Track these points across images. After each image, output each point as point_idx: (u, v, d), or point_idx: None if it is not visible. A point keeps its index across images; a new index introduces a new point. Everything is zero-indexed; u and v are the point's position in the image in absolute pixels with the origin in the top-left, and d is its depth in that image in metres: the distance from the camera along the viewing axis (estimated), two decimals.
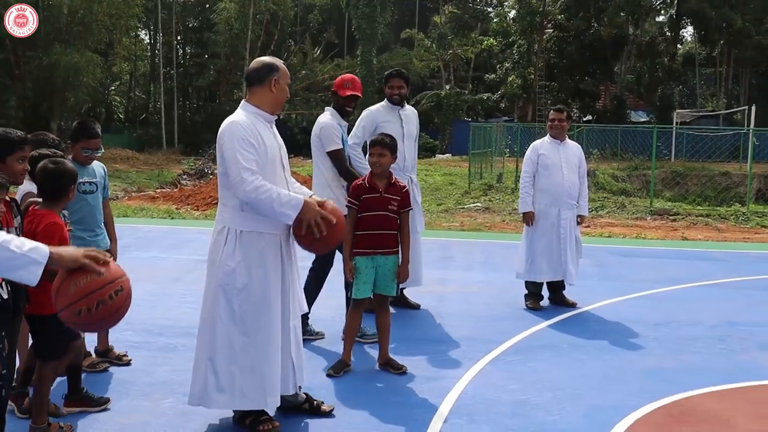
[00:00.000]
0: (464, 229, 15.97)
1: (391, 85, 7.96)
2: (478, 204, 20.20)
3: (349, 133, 7.57)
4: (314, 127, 7.21)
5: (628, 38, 47.89)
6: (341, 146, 7.07)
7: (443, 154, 44.00)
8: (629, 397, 5.72)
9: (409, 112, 8.20)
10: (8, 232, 4.02)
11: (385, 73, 8.35)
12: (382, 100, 8.14)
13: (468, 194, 22.37)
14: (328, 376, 6.03)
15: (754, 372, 6.45)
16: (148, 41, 55.10)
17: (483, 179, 25.39)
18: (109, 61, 42.21)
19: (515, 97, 48.66)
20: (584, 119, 45.94)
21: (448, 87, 49.40)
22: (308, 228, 4.73)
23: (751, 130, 25.56)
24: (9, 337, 4.05)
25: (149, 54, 54.66)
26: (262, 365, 4.78)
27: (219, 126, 4.87)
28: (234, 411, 5.03)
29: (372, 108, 8.17)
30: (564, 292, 8.73)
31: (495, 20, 52.39)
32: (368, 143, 6.56)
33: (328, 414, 5.21)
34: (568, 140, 8.76)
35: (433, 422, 5.14)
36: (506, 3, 55.49)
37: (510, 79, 47.68)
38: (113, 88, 53.47)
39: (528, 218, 8.47)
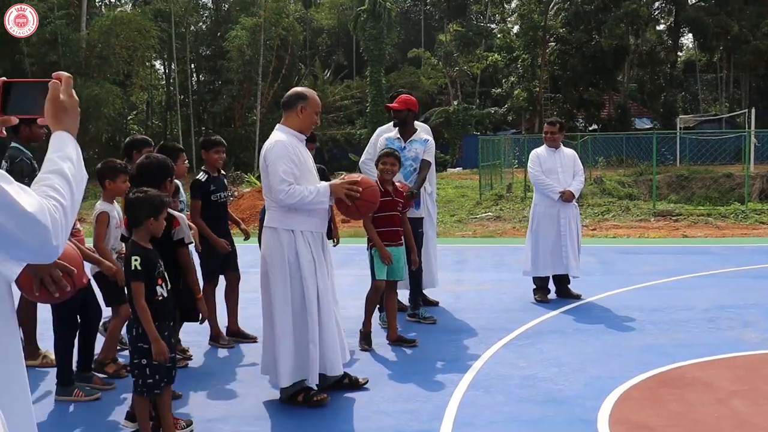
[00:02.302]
0: (476, 236, 16.71)
1: None
2: (489, 213, 20.92)
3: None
4: None
5: (629, 48, 48.62)
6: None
7: (454, 167, 44.73)
8: (626, 368, 6.46)
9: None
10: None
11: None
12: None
13: (479, 204, 23.09)
14: (364, 350, 7.11)
15: (737, 345, 7.18)
16: (164, 71, 56.17)
17: (493, 190, 26.11)
18: (127, 92, 43.20)
19: (522, 110, 49.40)
20: (590, 129, 46.59)
21: (456, 103, 50.17)
22: (347, 197, 5.71)
23: (749, 132, 26.22)
24: None
25: (165, 83, 55.70)
26: (305, 347, 5.57)
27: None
28: (281, 392, 5.79)
29: (382, 127, 8.92)
30: (569, 285, 9.48)
31: (499, 36, 53.17)
32: (378, 155, 7.42)
33: (364, 386, 6.00)
34: (563, 147, 9.62)
35: (455, 394, 5.89)
36: (509, 19, 56.42)
37: (516, 92, 48.48)
38: (131, 117, 54.42)
39: (567, 195, 9.20)
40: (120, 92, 38.62)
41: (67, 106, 2.19)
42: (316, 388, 5.70)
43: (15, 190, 1.89)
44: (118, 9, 48.87)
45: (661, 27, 55.67)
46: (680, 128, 38.75)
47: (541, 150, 9.52)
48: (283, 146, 5.58)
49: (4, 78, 2.22)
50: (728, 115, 44.73)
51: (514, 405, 5.65)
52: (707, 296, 9.35)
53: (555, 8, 48.54)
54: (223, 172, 7.52)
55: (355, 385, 6.01)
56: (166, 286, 4.79)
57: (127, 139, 7.29)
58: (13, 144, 6.32)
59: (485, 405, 5.66)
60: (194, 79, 53.77)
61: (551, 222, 9.25)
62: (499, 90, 52.84)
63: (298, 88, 5.91)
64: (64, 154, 2.11)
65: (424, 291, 9.01)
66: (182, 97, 49.28)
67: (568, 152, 9.63)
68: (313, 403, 5.64)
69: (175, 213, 5.32)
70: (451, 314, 8.74)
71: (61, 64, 35.44)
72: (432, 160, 8.35)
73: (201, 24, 55.36)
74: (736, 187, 28.31)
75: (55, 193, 2.00)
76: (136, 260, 4.61)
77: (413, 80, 50.83)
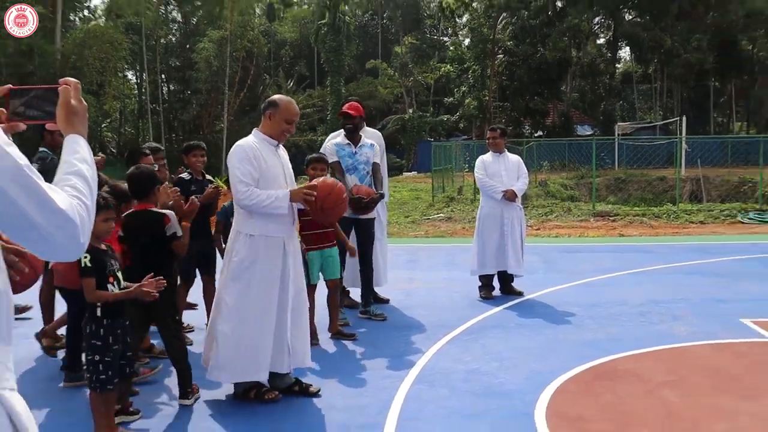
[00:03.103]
0: (428, 236, 16.63)
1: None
2: (441, 214, 20.86)
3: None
4: None
5: (572, 60, 48.93)
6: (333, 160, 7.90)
7: (410, 171, 44.71)
8: (564, 362, 6.38)
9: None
10: None
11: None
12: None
13: (432, 206, 23.03)
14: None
15: (668, 338, 7.15)
16: (135, 81, 55.54)
17: (445, 192, 26.06)
18: (100, 101, 42.56)
19: (472, 118, 49.53)
20: (535, 135, 46.82)
21: (411, 111, 50.24)
22: (307, 203, 5.47)
23: (680, 139, 26.51)
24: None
25: (137, 92, 55.07)
26: (255, 346, 5.36)
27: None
28: (234, 387, 5.63)
29: (333, 133, 8.70)
30: (512, 283, 9.41)
31: (451, 48, 53.37)
32: (308, 160, 7.19)
33: (316, 395, 5.68)
34: (507, 153, 9.53)
35: (401, 388, 5.77)
36: (460, 33, 56.56)
37: (467, 101, 48.62)
38: (105, 125, 53.69)
39: (510, 194, 9.09)
40: (94, 101, 38.09)
41: (78, 110, 2.14)
42: (268, 385, 5.55)
43: (48, 186, 1.84)
44: (92, 22, 48.20)
45: (601, 41, 56.15)
46: (618, 135, 39.03)
47: (487, 156, 9.46)
48: (242, 149, 5.41)
49: (10, 85, 2.16)
50: (662, 122, 45.14)
51: (457, 399, 5.54)
52: (641, 292, 9.35)
53: (503, 22, 48.81)
54: (209, 177, 7.39)
55: (305, 392, 5.72)
56: (118, 285, 4.66)
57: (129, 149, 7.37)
58: (41, 148, 6.82)
59: (429, 399, 5.54)
60: (164, 88, 53.21)
61: (495, 223, 9.17)
62: (452, 99, 52.98)
63: (275, 96, 5.72)
64: (80, 156, 2.07)
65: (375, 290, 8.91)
66: (153, 105, 48.78)
67: (513, 158, 9.56)
68: (264, 399, 5.48)
69: (165, 210, 5.35)
70: (401, 311, 8.62)
71: (37, 75, 34.86)
72: (382, 162, 8.23)
73: (170, 36, 54.79)
74: (668, 189, 28.64)
75: (78, 193, 1.95)
76: (85, 257, 4.52)
77: (371, 89, 50.78)
